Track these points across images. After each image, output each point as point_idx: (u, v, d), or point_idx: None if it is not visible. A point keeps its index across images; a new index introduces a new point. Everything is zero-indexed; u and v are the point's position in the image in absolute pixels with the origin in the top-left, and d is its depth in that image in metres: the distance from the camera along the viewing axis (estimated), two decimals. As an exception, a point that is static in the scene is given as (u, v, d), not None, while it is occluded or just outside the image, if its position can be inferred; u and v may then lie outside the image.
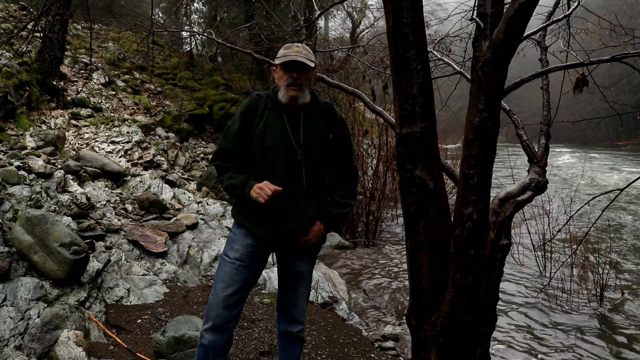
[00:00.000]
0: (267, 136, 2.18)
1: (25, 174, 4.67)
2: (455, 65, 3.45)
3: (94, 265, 3.66)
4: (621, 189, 2.93)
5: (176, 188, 6.87)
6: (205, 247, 4.92)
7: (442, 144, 10.66)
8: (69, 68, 9.33)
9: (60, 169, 5.34)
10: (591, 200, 3.38)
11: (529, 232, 6.32)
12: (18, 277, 3.06)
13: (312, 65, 2.16)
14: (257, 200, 2.10)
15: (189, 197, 6.38)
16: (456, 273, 1.90)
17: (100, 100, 9.04)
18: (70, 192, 4.98)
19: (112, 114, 8.71)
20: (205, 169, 8.22)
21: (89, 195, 5.01)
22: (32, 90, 7.20)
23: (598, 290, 4.96)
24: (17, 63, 7.15)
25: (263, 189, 2.08)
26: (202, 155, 9.12)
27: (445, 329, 1.95)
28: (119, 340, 3.09)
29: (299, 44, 2.23)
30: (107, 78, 9.93)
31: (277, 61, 2.19)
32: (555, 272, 5.15)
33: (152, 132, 8.88)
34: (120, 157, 7.38)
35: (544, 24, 2.76)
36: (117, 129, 8.08)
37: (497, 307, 2.25)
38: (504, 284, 5.38)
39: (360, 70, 7.33)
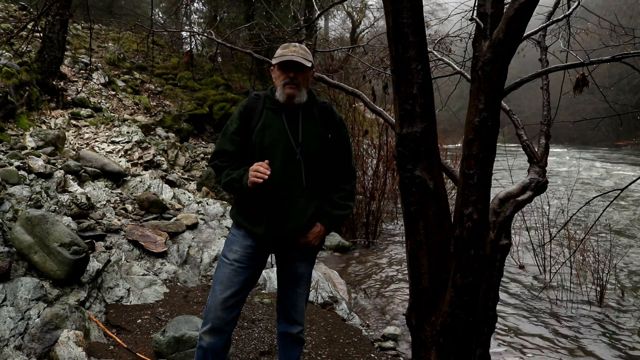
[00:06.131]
0: (265, 135, 2.17)
1: (25, 174, 4.67)
2: (455, 65, 3.45)
3: (94, 265, 3.66)
4: (621, 189, 2.93)
5: (176, 188, 6.87)
6: (205, 247, 4.92)
7: (442, 144, 10.65)
8: (69, 68, 9.33)
9: (60, 169, 5.34)
10: (591, 200, 3.38)
11: (529, 233, 6.32)
12: (18, 277, 3.06)
13: (309, 64, 2.15)
14: (256, 183, 2.04)
15: (189, 197, 6.38)
16: (456, 273, 1.90)
17: (100, 100, 9.04)
18: (70, 192, 4.97)
19: (112, 114, 8.71)
20: (205, 169, 8.22)
21: (89, 195, 5.01)
22: (32, 90, 7.20)
23: (598, 290, 4.96)
24: (17, 63, 7.14)
25: (258, 170, 2.05)
26: (202, 155, 9.12)
27: (445, 329, 1.95)
28: (119, 340, 3.09)
29: (297, 44, 2.22)
30: (107, 78, 9.93)
31: (274, 61, 2.19)
32: (555, 273, 5.16)
33: (152, 132, 8.88)
34: (120, 157, 7.38)
35: (544, 24, 2.76)
36: (117, 129, 8.08)
37: (497, 307, 2.25)
38: (504, 285, 5.38)
39: (360, 70, 7.33)
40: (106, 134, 7.84)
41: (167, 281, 4.25)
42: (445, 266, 1.99)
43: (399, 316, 4.55)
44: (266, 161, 2.09)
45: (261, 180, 2.04)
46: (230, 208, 2.41)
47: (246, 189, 2.12)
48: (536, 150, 2.51)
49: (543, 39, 2.90)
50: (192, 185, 7.65)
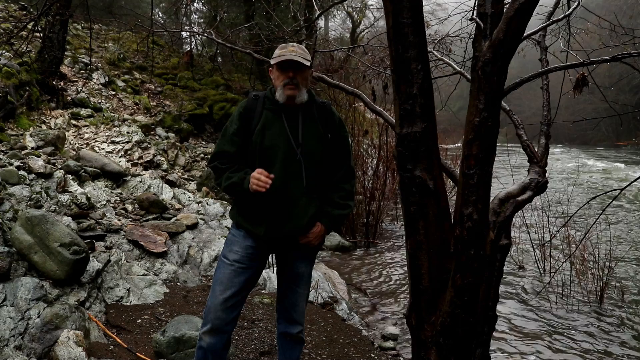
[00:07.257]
0: (266, 136, 2.17)
1: (25, 174, 4.67)
2: (455, 65, 3.44)
3: (94, 265, 3.66)
4: (621, 188, 2.93)
5: (176, 188, 6.87)
6: (205, 247, 4.92)
7: (442, 144, 10.66)
8: (69, 68, 9.33)
9: (60, 169, 5.34)
10: (591, 200, 3.38)
11: (529, 233, 6.32)
12: (18, 277, 3.06)
13: (308, 64, 2.16)
14: (258, 191, 2.06)
15: (189, 197, 6.38)
16: (456, 273, 1.89)
17: (100, 100, 9.04)
18: (70, 192, 4.97)
19: (112, 114, 8.71)
20: (205, 169, 8.22)
21: (89, 195, 5.01)
22: (32, 90, 7.20)
23: (598, 290, 4.96)
24: (17, 63, 7.14)
25: (259, 179, 2.05)
26: (202, 155, 9.12)
27: (445, 329, 1.95)
28: (119, 340, 3.09)
29: (294, 44, 2.23)
30: (107, 78, 9.93)
31: (272, 61, 2.19)
32: (554, 273, 5.16)
33: (152, 132, 8.88)
34: (120, 157, 7.38)
35: (544, 24, 2.75)
36: (117, 129, 8.08)
37: (496, 307, 2.25)
38: (504, 285, 5.38)
39: (360, 70, 7.33)
40: (106, 134, 7.84)
41: (167, 281, 4.25)
42: (445, 266, 1.99)
43: (399, 316, 4.56)
44: (271, 176, 2.08)
45: (263, 190, 2.05)
46: (230, 208, 2.40)
47: (248, 194, 2.12)
48: (536, 150, 2.51)
49: (543, 39, 2.90)
50: (192, 185, 7.65)
